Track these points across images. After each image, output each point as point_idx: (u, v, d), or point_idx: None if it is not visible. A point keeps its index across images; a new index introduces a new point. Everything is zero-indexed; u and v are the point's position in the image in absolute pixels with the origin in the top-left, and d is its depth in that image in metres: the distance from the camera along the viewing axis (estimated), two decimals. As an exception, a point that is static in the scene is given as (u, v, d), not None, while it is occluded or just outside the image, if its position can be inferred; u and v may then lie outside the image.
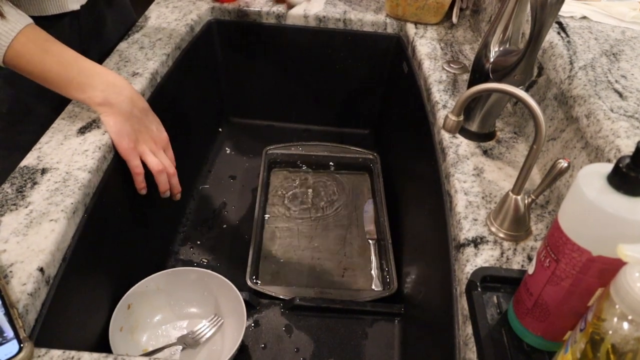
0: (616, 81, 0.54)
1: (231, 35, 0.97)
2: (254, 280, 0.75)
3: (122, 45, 0.80)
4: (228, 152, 1.03)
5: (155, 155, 0.63)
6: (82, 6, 0.71)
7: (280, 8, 0.94)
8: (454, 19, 0.92)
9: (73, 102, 0.65)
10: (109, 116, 0.60)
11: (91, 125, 0.61)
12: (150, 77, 0.73)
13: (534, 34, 0.49)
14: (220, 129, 1.08)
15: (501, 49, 0.57)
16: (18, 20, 0.55)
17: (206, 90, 1.00)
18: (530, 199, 0.49)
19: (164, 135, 0.65)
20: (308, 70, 1.00)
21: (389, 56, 0.96)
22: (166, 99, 0.78)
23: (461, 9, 0.95)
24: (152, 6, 0.94)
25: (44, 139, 0.59)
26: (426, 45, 0.85)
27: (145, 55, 0.77)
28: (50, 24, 0.64)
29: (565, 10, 0.68)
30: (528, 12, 0.59)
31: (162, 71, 0.77)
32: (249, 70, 1.02)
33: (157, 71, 0.75)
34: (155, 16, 0.89)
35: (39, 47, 0.57)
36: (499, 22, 0.57)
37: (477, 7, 0.93)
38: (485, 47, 0.59)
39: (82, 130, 0.60)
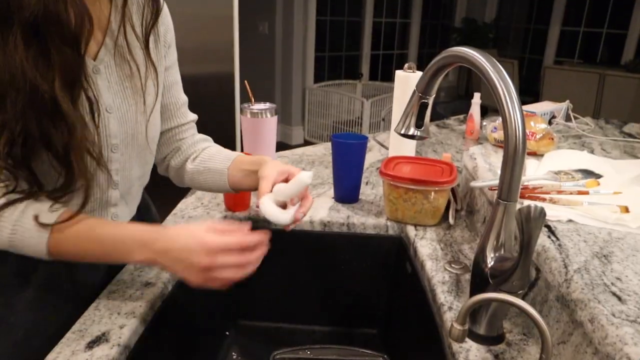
0: (612, 284, 0.55)
1: (242, 240, 1.03)
2: None
3: (139, 255, 0.84)
4: (235, 357, 1.00)
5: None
6: None
7: (288, 215, 1.01)
8: (451, 220, 0.98)
9: (84, 316, 0.66)
10: (164, 267, 0.67)
11: (100, 339, 0.62)
12: (163, 286, 0.76)
13: (524, 245, 0.52)
14: (227, 333, 1.06)
15: (497, 255, 0.61)
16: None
17: (215, 294, 1.01)
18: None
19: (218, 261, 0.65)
20: (314, 271, 1.03)
21: (392, 257, 1.00)
22: (176, 307, 0.79)
23: (456, 210, 1.02)
24: (169, 217, 1.01)
25: (50, 355, 0.59)
26: (427, 246, 0.89)
27: (160, 264, 0.81)
28: None
29: (551, 215, 0.74)
30: (516, 220, 0.63)
31: (173, 281, 0.80)
32: (258, 273, 1.05)
33: (169, 280, 0.78)
34: (171, 225, 0.96)
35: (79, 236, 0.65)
36: (491, 230, 0.62)
37: (471, 208, 1.00)
38: (481, 252, 0.62)
39: (91, 345, 0.61)
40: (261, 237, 0.68)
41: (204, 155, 0.89)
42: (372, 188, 1.17)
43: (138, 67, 0.74)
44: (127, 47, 0.72)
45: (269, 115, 1.09)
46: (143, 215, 0.91)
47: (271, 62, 4.81)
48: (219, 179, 0.87)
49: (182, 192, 1.14)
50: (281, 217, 0.74)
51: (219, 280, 0.66)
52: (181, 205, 1.07)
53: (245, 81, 1.14)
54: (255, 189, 0.79)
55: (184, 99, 0.89)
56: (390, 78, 5.94)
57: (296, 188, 0.75)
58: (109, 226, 0.68)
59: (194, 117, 0.93)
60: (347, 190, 1.06)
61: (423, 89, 0.73)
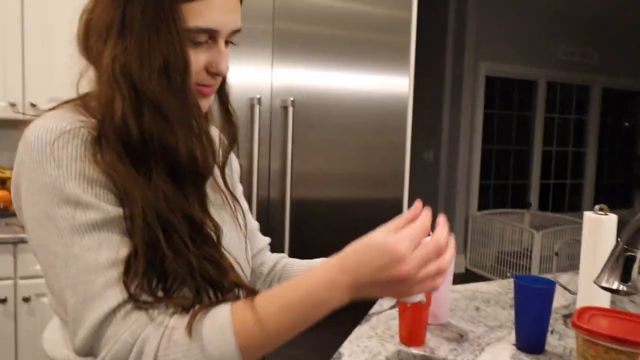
0: None
1: (414, 378, 1.00)
2: None
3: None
4: None
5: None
6: None
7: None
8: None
9: None
10: (370, 294, 0.59)
11: None
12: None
13: None
14: None
15: None
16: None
17: None
18: None
19: (405, 268, 0.56)
20: None
21: None
22: None
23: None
24: (345, 343, 1.04)
25: None
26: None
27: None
28: None
29: None
30: None
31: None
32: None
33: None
34: (347, 356, 0.98)
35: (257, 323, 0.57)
36: None
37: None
38: None
39: None
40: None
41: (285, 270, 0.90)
42: (558, 338, 1.06)
43: (226, 196, 0.74)
44: (213, 177, 0.71)
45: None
46: None
47: (434, 189, 4.88)
48: None
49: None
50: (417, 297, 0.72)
51: (421, 288, 0.59)
52: (356, 333, 1.09)
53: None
54: None
55: (256, 224, 0.92)
56: (562, 208, 5.54)
57: None
58: (284, 289, 0.60)
59: (268, 240, 0.94)
60: (531, 338, 0.99)
61: (628, 241, 0.69)
